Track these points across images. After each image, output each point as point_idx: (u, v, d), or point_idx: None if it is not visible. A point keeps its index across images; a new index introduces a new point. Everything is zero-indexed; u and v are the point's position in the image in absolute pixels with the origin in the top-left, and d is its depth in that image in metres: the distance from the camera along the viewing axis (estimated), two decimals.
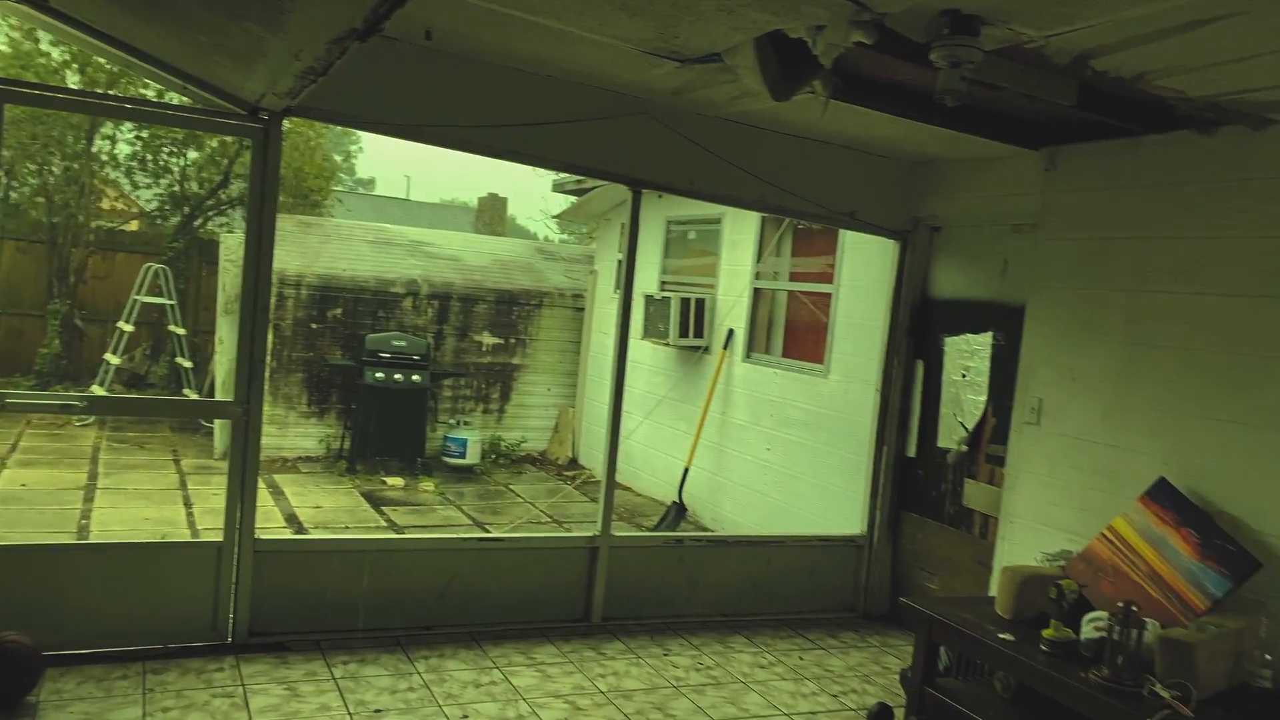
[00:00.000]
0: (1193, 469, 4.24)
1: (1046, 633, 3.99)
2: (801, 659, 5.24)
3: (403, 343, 9.20)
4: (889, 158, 5.88)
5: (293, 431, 9.43)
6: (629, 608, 5.49)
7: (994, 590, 4.50)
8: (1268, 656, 3.61)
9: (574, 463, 10.30)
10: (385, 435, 9.07)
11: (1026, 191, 5.17)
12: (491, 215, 27.62)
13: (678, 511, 7.84)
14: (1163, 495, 4.22)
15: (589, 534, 5.41)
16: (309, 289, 9.42)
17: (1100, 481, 4.64)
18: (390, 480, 8.84)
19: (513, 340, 10.35)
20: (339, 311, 9.54)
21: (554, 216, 10.64)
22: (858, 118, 4.85)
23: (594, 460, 9.99)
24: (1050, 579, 4.18)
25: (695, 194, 5.55)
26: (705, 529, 7.98)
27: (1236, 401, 4.09)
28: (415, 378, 9.11)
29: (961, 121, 4.70)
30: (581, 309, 10.53)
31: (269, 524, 7.15)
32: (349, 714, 4.02)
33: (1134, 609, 3.66)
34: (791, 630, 5.70)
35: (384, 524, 7.48)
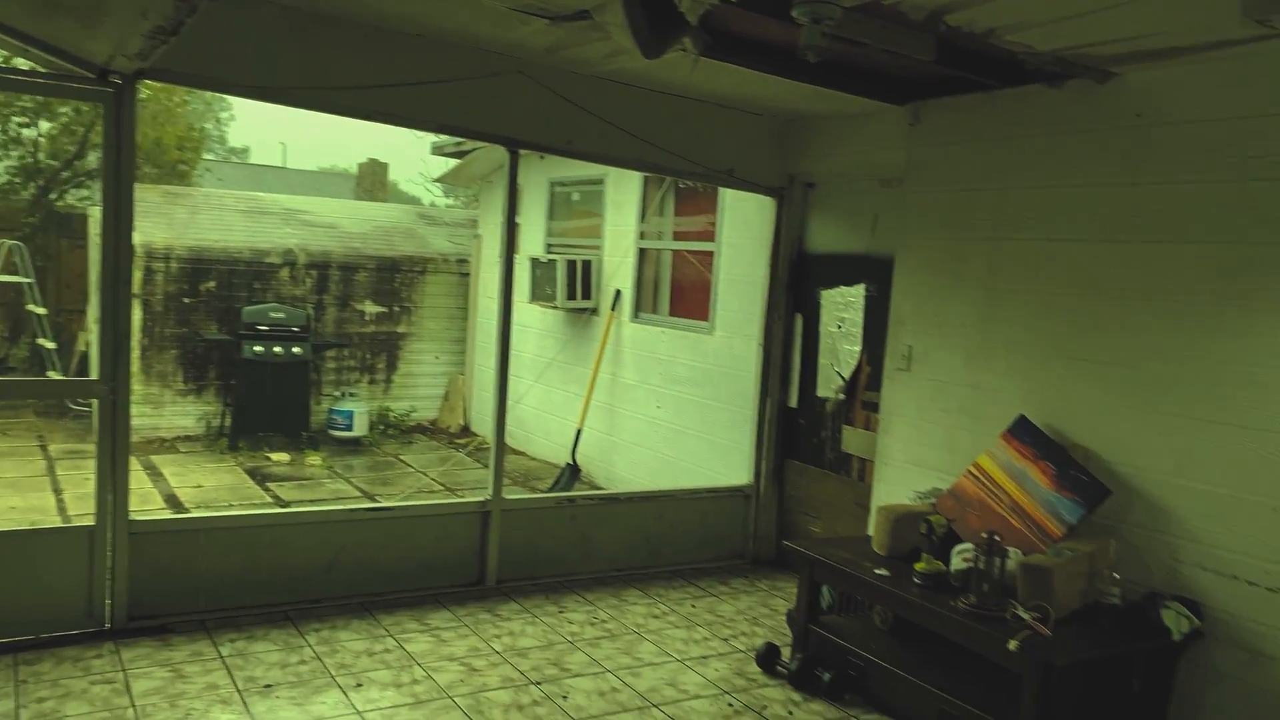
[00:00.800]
0: (1049, 406, 4.50)
1: (919, 566, 4.21)
2: (694, 607, 5.39)
3: (281, 314, 8.94)
4: (763, 115, 5.99)
5: (169, 410, 9.09)
6: (524, 569, 5.54)
7: (871, 530, 4.71)
8: (1116, 575, 3.90)
9: (466, 430, 10.23)
10: (267, 410, 8.83)
11: (893, 147, 5.35)
12: (372, 181, 26.87)
13: (571, 473, 7.90)
14: (1023, 432, 4.48)
15: (480, 498, 5.41)
16: (179, 262, 9.03)
17: (966, 421, 4.89)
18: (275, 456, 8.63)
19: (397, 308, 10.17)
20: (212, 284, 9.19)
21: (434, 180, 10.42)
22: (730, 75, 4.92)
23: (486, 427, 9.94)
24: (921, 516, 4.40)
25: (573, 153, 5.55)
26: (599, 488, 8.06)
27: (1086, 340, 4.36)
28: (296, 350, 8.87)
29: (828, 78, 4.82)
30: (467, 274, 10.41)
31: (148, 506, 6.91)
32: (238, 691, 3.96)
33: (997, 539, 3.90)
34: (684, 580, 5.84)
35: (270, 500, 7.31)
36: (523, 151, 8.36)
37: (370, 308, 10.02)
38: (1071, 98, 4.42)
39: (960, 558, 4.17)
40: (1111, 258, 4.26)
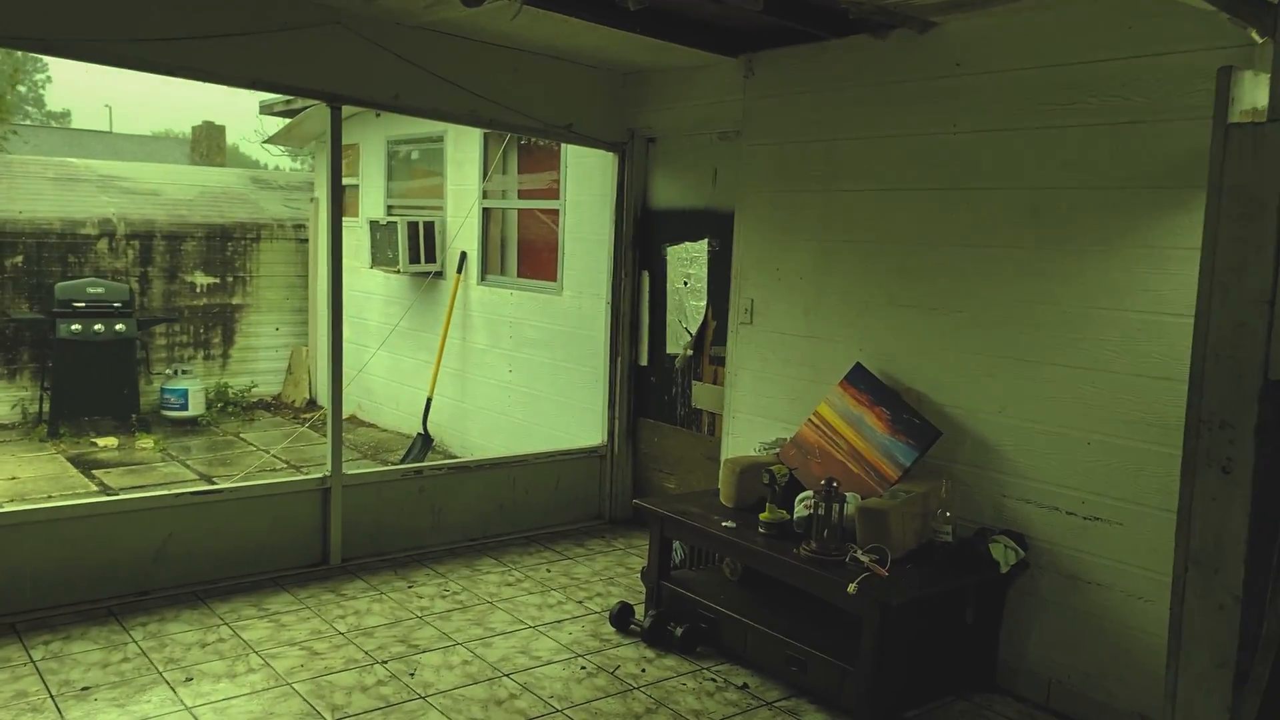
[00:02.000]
0: (883, 352, 4.61)
1: (763, 516, 4.26)
2: (549, 571, 5.33)
3: (100, 289, 8.30)
4: (599, 68, 5.86)
5: None
6: (370, 545, 5.34)
7: (720, 483, 4.74)
8: (948, 514, 4.04)
9: (312, 403, 9.82)
10: (90, 392, 8.22)
11: (730, 100, 5.33)
12: (209, 145, 25.37)
13: (424, 443, 7.69)
14: (858, 379, 4.58)
15: (319, 475, 5.17)
16: None
17: (806, 372, 4.96)
18: (102, 441, 8.06)
19: (231, 279, 9.62)
20: (19, 259, 8.44)
21: (265, 141, 9.84)
22: (559, 26, 4.78)
23: None
24: (765, 466, 4.45)
25: (400, 108, 5.30)
26: (454, 456, 7.88)
27: (913, 288, 4.47)
28: (119, 327, 8.27)
29: (658, 29, 4.74)
30: (305, 240, 9.92)
31: None
32: (50, 696, 3.67)
33: (835, 485, 3.97)
34: (540, 545, 5.77)
35: (96, 489, 6.82)
36: (356, 110, 7.97)
37: (201, 279, 9.44)
38: (895, 48, 4.48)
39: (802, 505, 4.25)
40: (935, 206, 4.37)
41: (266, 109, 9.35)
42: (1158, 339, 3.65)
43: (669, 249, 5.99)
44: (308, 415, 9.46)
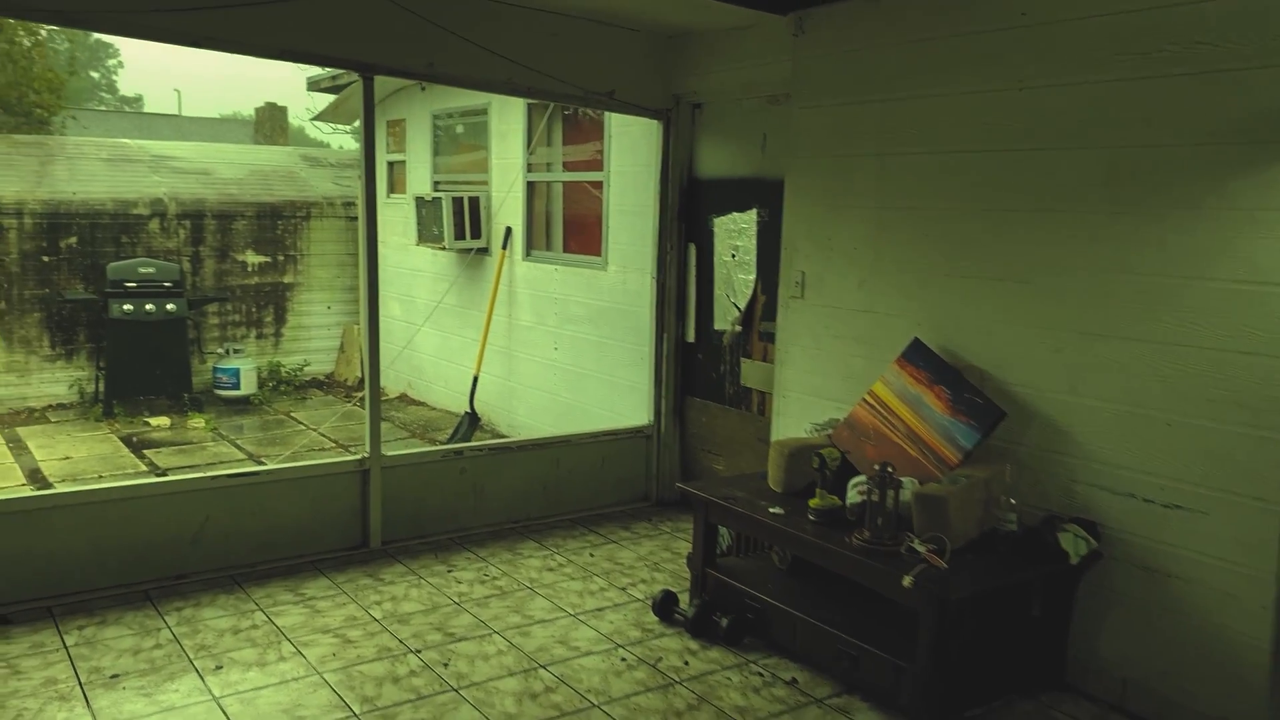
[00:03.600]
0: (942, 327, 4.31)
1: (813, 503, 4.02)
2: (592, 556, 5.15)
3: (151, 269, 8.34)
4: (641, 31, 5.61)
5: (36, 378, 8.47)
6: (411, 527, 5.23)
7: (769, 466, 4.50)
8: (1013, 501, 3.76)
9: (364, 382, 9.77)
10: (143, 372, 8.27)
11: (779, 60, 5.04)
12: (271, 126, 25.63)
13: (470, 421, 7.58)
14: (917, 355, 4.29)
15: (358, 456, 5.06)
16: (33, 218, 8.33)
17: (861, 348, 4.68)
18: (154, 421, 8.11)
19: (281, 257, 9.61)
20: (74, 240, 8.52)
21: (313, 119, 9.79)
22: None
23: (386, 378, 9.52)
24: (816, 448, 4.20)
25: (435, 77, 5.12)
26: (501, 435, 7.76)
27: (974, 257, 4.16)
28: (170, 306, 8.30)
29: None
30: (355, 218, 9.86)
31: (6, 483, 6.40)
32: (79, 684, 3.61)
33: (890, 470, 3.71)
34: (584, 528, 5.61)
35: (145, 469, 6.85)
36: (401, 83, 7.85)
37: (252, 258, 9.45)
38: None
39: (855, 491, 3.99)
40: (999, 168, 4.04)
41: (314, 85, 9.27)
42: (1250, 310, 3.30)
43: (716, 220, 5.74)
44: (360, 394, 9.42)
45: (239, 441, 7.68)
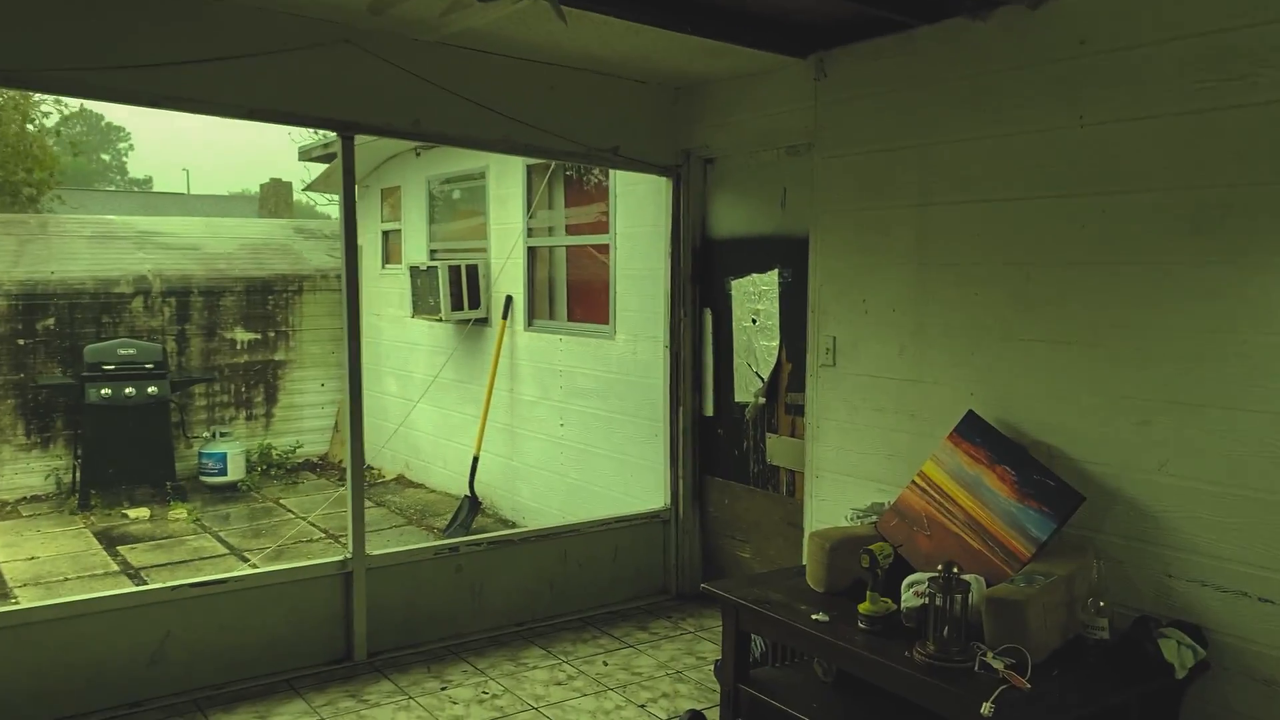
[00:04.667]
0: (1000, 397, 3.78)
1: (863, 608, 3.44)
2: (606, 664, 4.55)
3: (131, 350, 7.86)
4: (648, 83, 5.18)
5: (10, 469, 7.95)
6: (401, 636, 4.64)
7: (805, 559, 3.93)
8: (1101, 603, 3.18)
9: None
10: (122, 460, 7.74)
11: (799, 108, 4.59)
12: (276, 201, 25.50)
13: (470, 506, 7.01)
14: (972, 430, 3.75)
15: (338, 557, 4.50)
16: (7, 299, 7.89)
17: (905, 422, 4.15)
18: (133, 513, 7.55)
19: (272, 334, 9.14)
20: (50, 322, 8.06)
21: (305, 189, 9.43)
22: (598, 30, 4.12)
23: (382, 458, 8.99)
24: (862, 541, 3.64)
25: (422, 135, 4.70)
26: (504, 520, 7.19)
27: (1036, 317, 3.64)
28: (151, 389, 7.81)
29: (715, 27, 4.04)
30: None
31: None
32: None
33: (954, 571, 3.14)
34: (597, 629, 5.01)
35: (116, 568, 6.28)
36: (395, 149, 7.43)
37: (242, 335, 8.98)
38: (1000, 29, 3.70)
39: (912, 593, 3.41)
40: (1058, 216, 3.55)
41: (306, 155, 8.91)
42: None
43: (734, 283, 5.24)
44: None
45: (222, 533, 7.12)
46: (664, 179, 5.38)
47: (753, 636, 4.00)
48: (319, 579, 4.43)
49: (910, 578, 3.48)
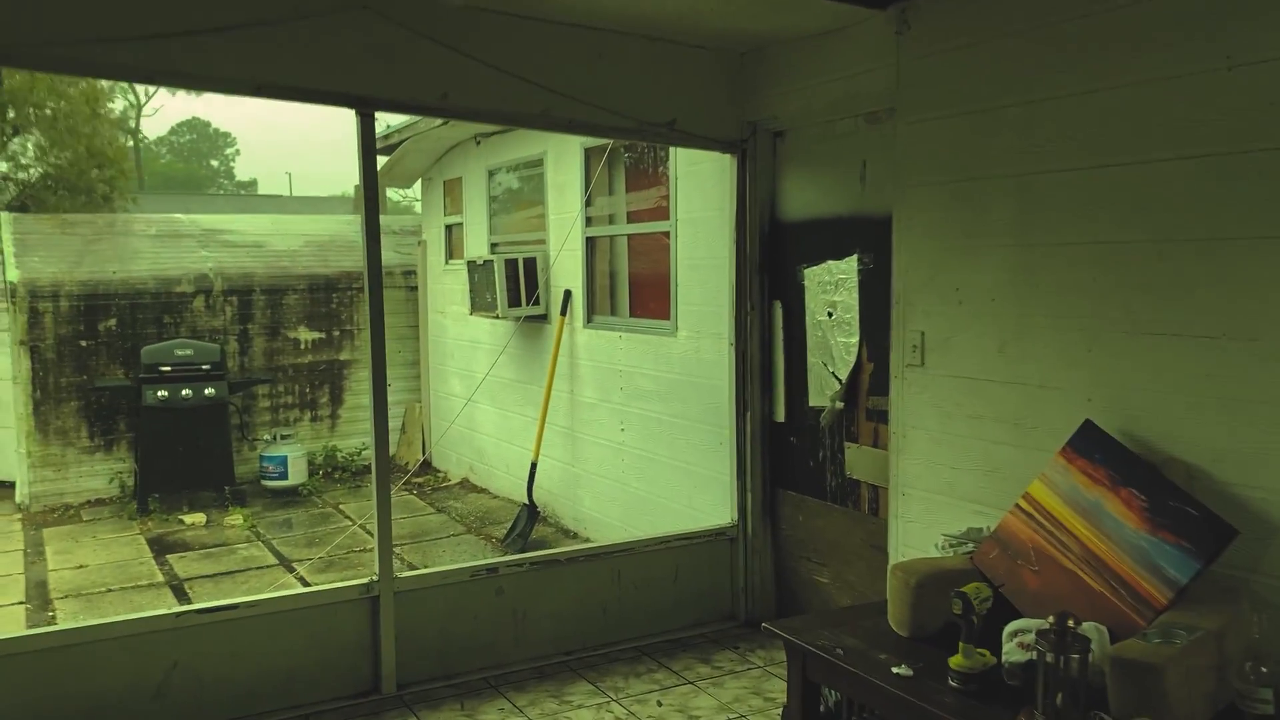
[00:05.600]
0: (1126, 404, 3.11)
1: (955, 661, 2.82)
2: (660, 704, 4.02)
3: (189, 351, 7.67)
4: (707, 48, 4.62)
5: (74, 471, 7.86)
6: (434, 666, 4.20)
7: (888, 595, 3.32)
8: (1263, 669, 2.50)
9: (427, 465, 8.92)
10: (180, 464, 7.56)
11: (878, 67, 3.97)
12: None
13: (530, 515, 6.56)
14: (1090, 444, 3.09)
15: (364, 580, 4.08)
16: (70, 300, 7.80)
17: (1008, 433, 3.50)
18: (188, 519, 7.36)
19: (337, 333, 8.88)
20: (113, 323, 7.94)
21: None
22: None
23: (449, 461, 8.64)
24: (955, 577, 3.03)
25: (451, 111, 4.23)
26: (567, 531, 6.73)
27: (1172, 304, 2.96)
28: (209, 391, 7.60)
29: None
30: (415, 287, 9.10)
31: (4, 600, 5.66)
32: None
33: (1070, 625, 2.51)
34: (654, 661, 4.48)
35: (161, 579, 6.03)
36: (455, 139, 7.02)
37: (305, 334, 8.74)
38: None
39: (1015, 644, 2.79)
40: (1205, 180, 2.86)
41: None
42: None
43: (806, 271, 4.64)
44: (419, 479, 8.55)
45: (276, 541, 6.84)
46: (727, 156, 4.81)
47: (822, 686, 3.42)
48: (342, 604, 4.02)
49: (1013, 625, 2.85)
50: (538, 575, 4.46)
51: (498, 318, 6.91)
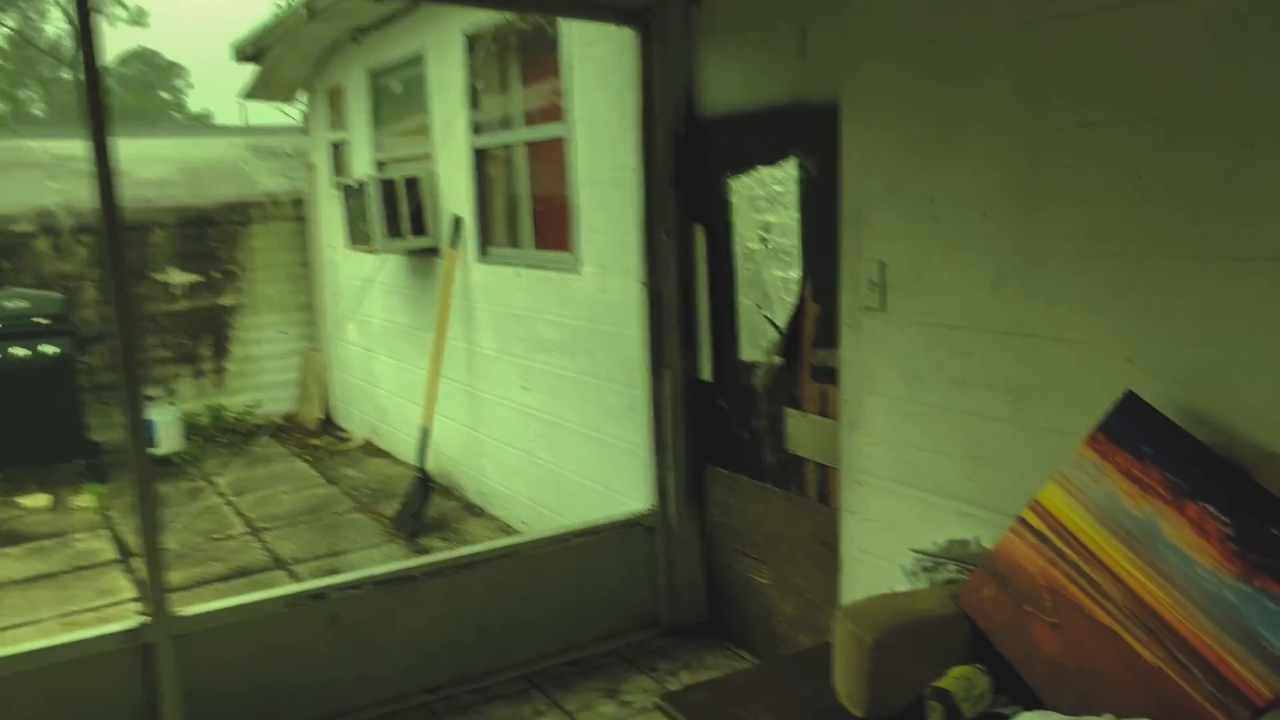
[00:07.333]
0: (1190, 367, 2.04)
1: None
2: None
3: (22, 303, 6.45)
4: None
5: None
6: None
7: (835, 658, 2.28)
8: None
9: (329, 424, 7.81)
10: (17, 435, 6.40)
11: None
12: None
13: (422, 489, 5.47)
14: (1135, 429, 2.03)
15: (128, 625, 2.99)
16: None
17: (1005, 405, 2.43)
18: (30, 501, 6.22)
19: (218, 274, 7.66)
20: None
21: (246, 96, 7.83)
22: None
23: (353, 419, 7.54)
24: (931, 630, 2.01)
25: None
26: (472, 506, 5.66)
27: (1269, 215, 1.87)
28: (48, 349, 6.40)
29: None
30: (304, 218, 7.86)
31: None
32: None
33: None
34: (545, 697, 3.46)
35: None
36: (332, 36, 5.78)
37: (178, 277, 7.52)
38: None
39: None
40: None
41: (239, 54, 7.25)
42: None
43: (734, 183, 3.51)
44: (317, 441, 7.44)
45: (128, 527, 5.73)
46: (628, 29, 3.61)
47: None
48: (97, 659, 2.93)
49: (1022, 717, 1.82)
50: (386, 596, 3.39)
51: (375, 251, 5.73)
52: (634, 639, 3.86)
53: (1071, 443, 2.10)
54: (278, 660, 3.20)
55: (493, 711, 3.37)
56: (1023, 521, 2.14)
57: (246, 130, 9.92)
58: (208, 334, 7.67)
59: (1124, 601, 1.92)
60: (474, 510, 5.58)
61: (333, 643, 3.29)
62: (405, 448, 6.65)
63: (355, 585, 3.32)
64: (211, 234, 7.61)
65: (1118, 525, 1.98)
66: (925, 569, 2.44)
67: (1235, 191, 1.92)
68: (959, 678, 1.80)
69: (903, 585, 2.45)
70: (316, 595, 3.26)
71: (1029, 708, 1.90)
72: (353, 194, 5.75)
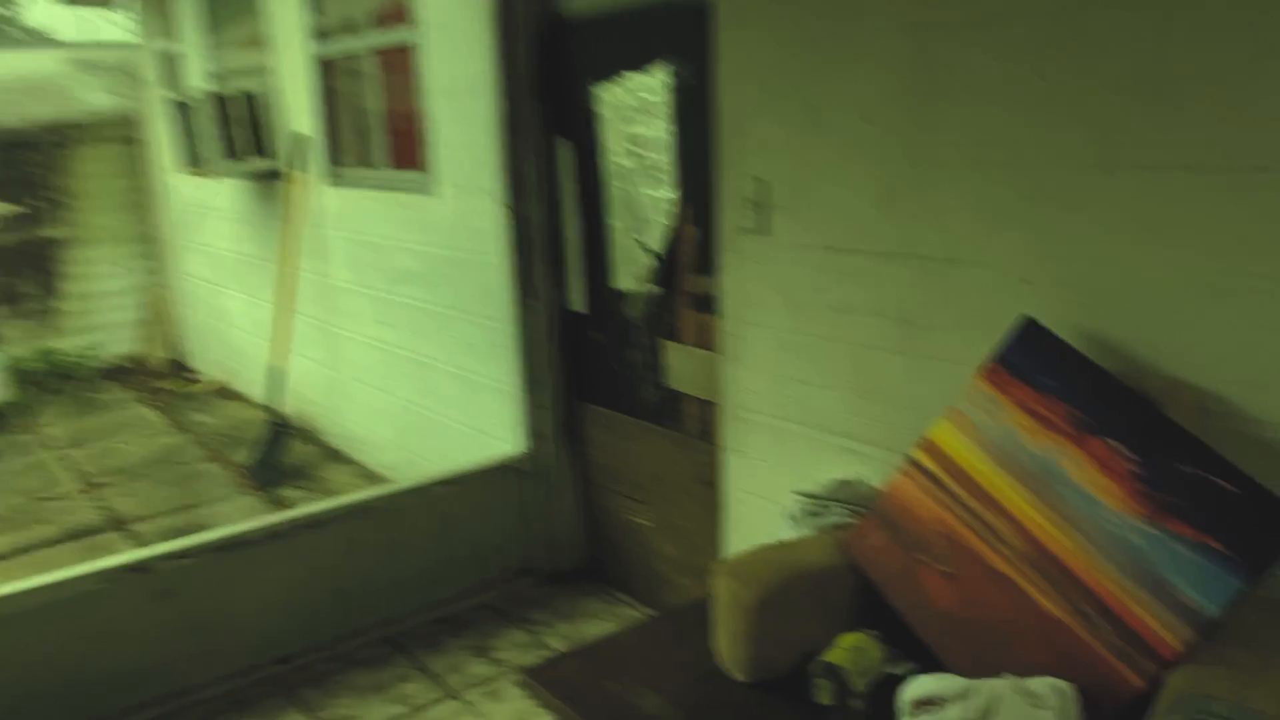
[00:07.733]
0: (1094, 290, 1.87)
1: None
2: None
3: None
4: None
5: None
6: (65, 714, 2.79)
7: (716, 620, 2.07)
8: None
9: (177, 366, 7.21)
10: None
11: None
12: None
13: (278, 435, 5.05)
14: (1033, 358, 1.85)
15: None
16: None
17: (894, 333, 2.23)
18: None
19: (39, 203, 6.89)
20: None
21: (66, 1, 6.96)
22: None
23: (204, 359, 6.97)
24: (817, 582, 1.82)
25: None
26: (334, 452, 5.27)
27: (1183, 119, 1.68)
28: None
29: None
30: (134, 140, 7.11)
31: None
32: None
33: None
34: (409, 659, 3.20)
35: None
36: None
37: None
38: None
39: (920, 713, 1.60)
40: None
41: None
42: None
43: (602, 92, 3.17)
44: (164, 384, 6.86)
45: None
46: None
47: None
48: None
49: (916, 687, 1.64)
50: (224, 563, 3.04)
51: (212, 175, 5.17)
52: (507, 590, 3.61)
53: (965, 374, 1.92)
54: (102, 641, 2.82)
55: (352, 679, 3.09)
56: (913, 461, 1.96)
57: (69, 44, 8.92)
58: (33, 270, 6.92)
59: (1023, 548, 1.76)
60: (335, 456, 5.20)
61: (163, 618, 2.93)
62: (261, 390, 6.17)
63: (186, 554, 2.95)
64: (31, 159, 6.82)
65: (1016, 464, 1.81)
66: (809, 513, 2.25)
67: (1148, 91, 1.72)
68: (849, 649, 1.60)
69: (786, 531, 2.26)
70: (138, 568, 2.88)
71: (926, 667, 1.73)
72: (184, 112, 5.15)
